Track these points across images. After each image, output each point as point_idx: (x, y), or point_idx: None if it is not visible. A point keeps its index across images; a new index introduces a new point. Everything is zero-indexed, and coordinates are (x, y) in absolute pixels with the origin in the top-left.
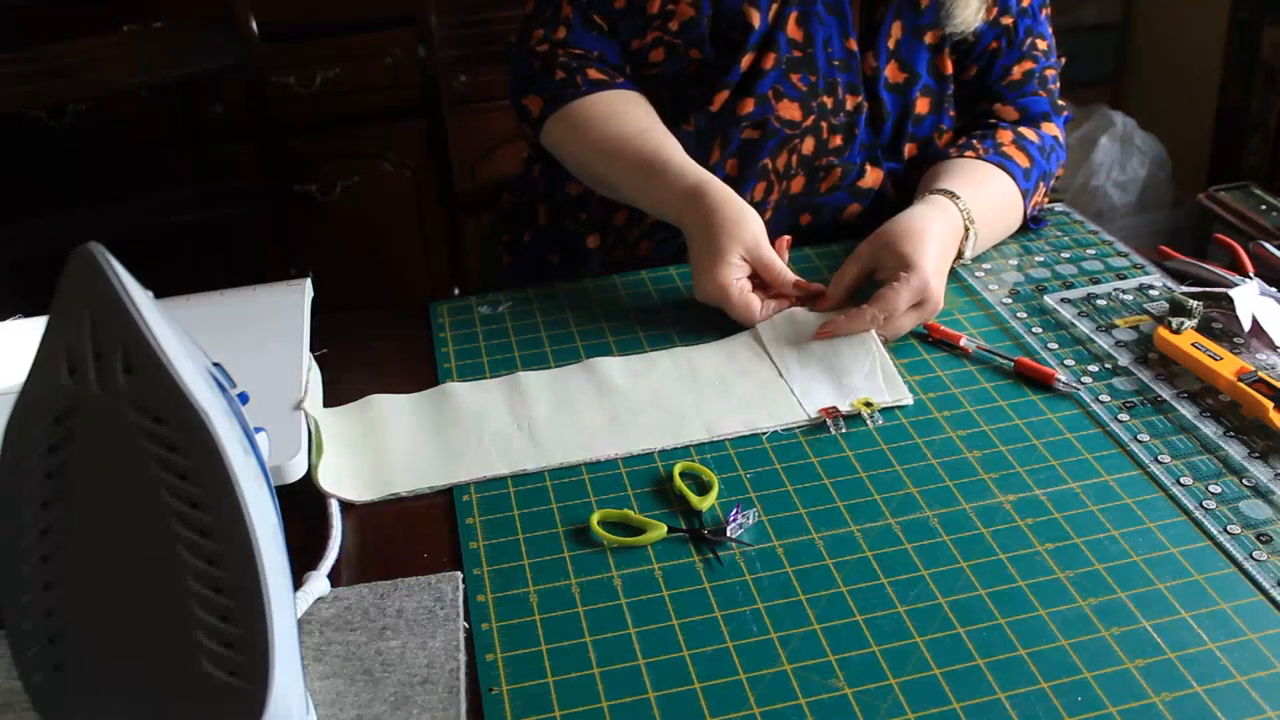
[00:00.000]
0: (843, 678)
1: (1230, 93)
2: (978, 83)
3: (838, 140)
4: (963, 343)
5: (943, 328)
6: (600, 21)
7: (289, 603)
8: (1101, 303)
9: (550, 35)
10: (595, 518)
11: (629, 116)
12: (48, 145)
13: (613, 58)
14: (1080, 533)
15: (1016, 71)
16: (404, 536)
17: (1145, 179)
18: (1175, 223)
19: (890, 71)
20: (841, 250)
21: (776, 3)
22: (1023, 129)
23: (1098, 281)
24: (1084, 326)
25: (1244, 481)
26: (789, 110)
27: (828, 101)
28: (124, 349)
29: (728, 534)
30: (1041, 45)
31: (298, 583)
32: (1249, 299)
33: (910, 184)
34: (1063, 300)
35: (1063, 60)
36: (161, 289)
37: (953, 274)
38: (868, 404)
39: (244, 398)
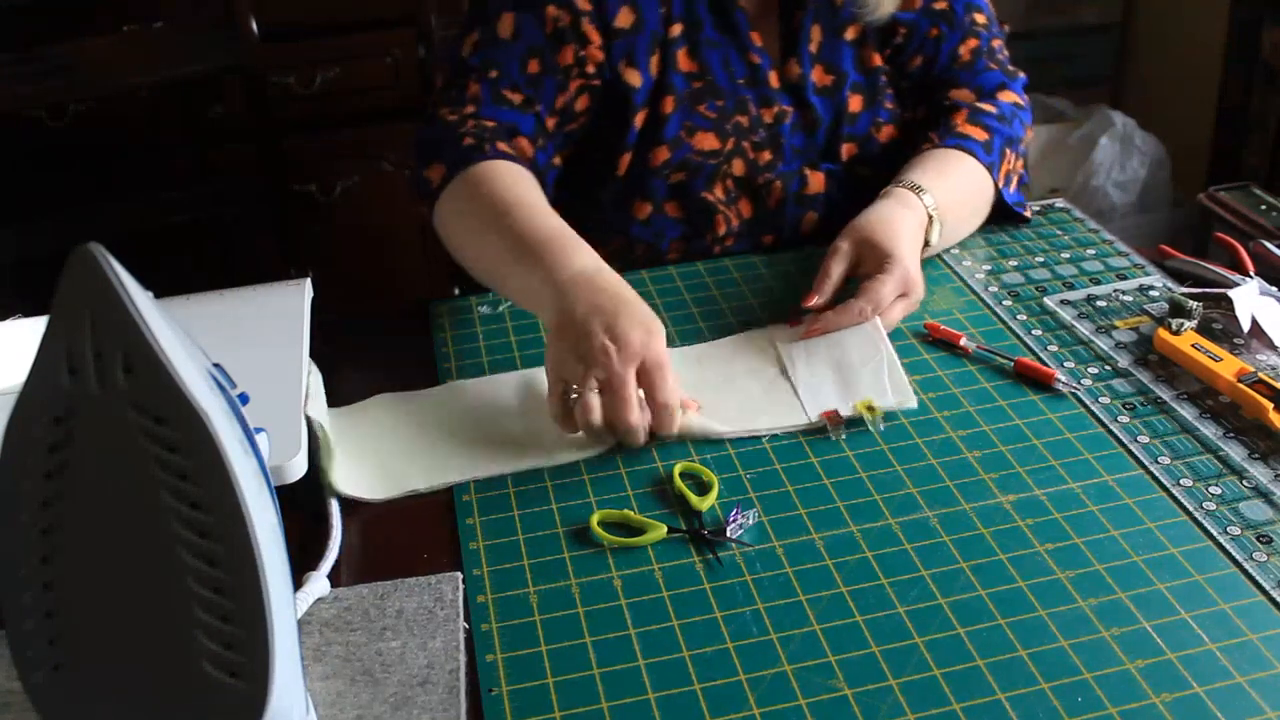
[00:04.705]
0: (843, 678)
1: (1230, 93)
2: (926, 72)
3: (767, 155)
4: (963, 343)
5: (943, 328)
6: (511, 96)
7: (289, 603)
8: (1102, 304)
9: (459, 111)
10: (595, 518)
11: (530, 189)
12: (48, 145)
13: (526, 129)
14: (1080, 533)
15: (964, 52)
16: (404, 537)
17: (1145, 179)
18: (1175, 223)
19: (817, 75)
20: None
21: (656, 54)
22: (979, 104)
23: (1098, 282)
24: (1084, 328)
25: (1244, 482)
26: (705, 141)
27: (742, 121)
28: (124, 349)
29: (728, 534)
30: (980, 19)
31: (298, 583)
32: (1249, 299)
33: (855, 181)
34: (1063, 301)
35: (1006, 27)
36: (161, 289)
37: (953, 273)
38: (870, 408)
39: (244, 398)
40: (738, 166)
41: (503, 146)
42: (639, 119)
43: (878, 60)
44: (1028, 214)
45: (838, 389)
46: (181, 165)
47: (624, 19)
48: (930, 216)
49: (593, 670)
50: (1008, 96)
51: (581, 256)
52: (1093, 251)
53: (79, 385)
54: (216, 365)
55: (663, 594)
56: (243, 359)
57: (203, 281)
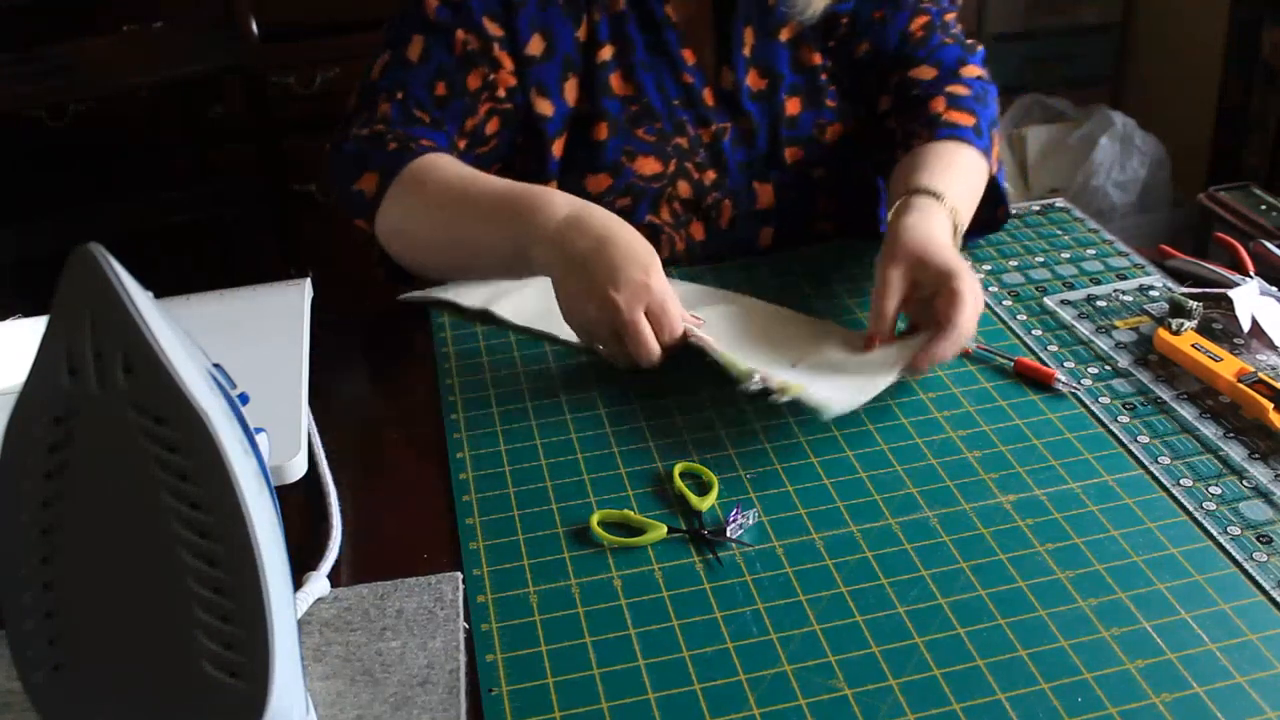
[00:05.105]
0: (843, 678)
1: (1230, 93)
2: (876, 57)
3: (711, 174)
4: None
5: None
6: (420, 115)
7: (289, 603)
8: (1102, 304)
9: (371, 127)
10: (595, 518)
11: (475, 169)
12: (48, 145)
13: (441, 144)
14: (1080, 533)
15: (914, 29)
16: (404, 536)
17: (1145, 179)
18: (1175, 223)
19: (751, 80)
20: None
21: (573, 80)
22: (949, 87)
23: (1098, 282)
24: (1084, 328)
25: (1244, 482)
26: (647, 165)
27: (682, 143)
28: (124, 349)
29: (728, 534)
30: None
31: (298, 583)
32: (1249, 299)
33: (810, 184)
34: (1063, 301)
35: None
36: (161, 289)
37: None
38: (785, 388)
39: (244, 398)
40: (683, 188)
41: (427, 143)
42: (556, 147)
43: (817, 59)
44: (1010, 206)
45: (810, 371)
46: (181, 165)
47: (535, 46)
48: (954, 223)
49: (593, 670)
50: (971, 71)
51: (563, 203)
52: (1093, 251)
53: (79, 385)
54: (216, 365)
55: (663, 594)
56: (243, 359)
57: (203, 281)
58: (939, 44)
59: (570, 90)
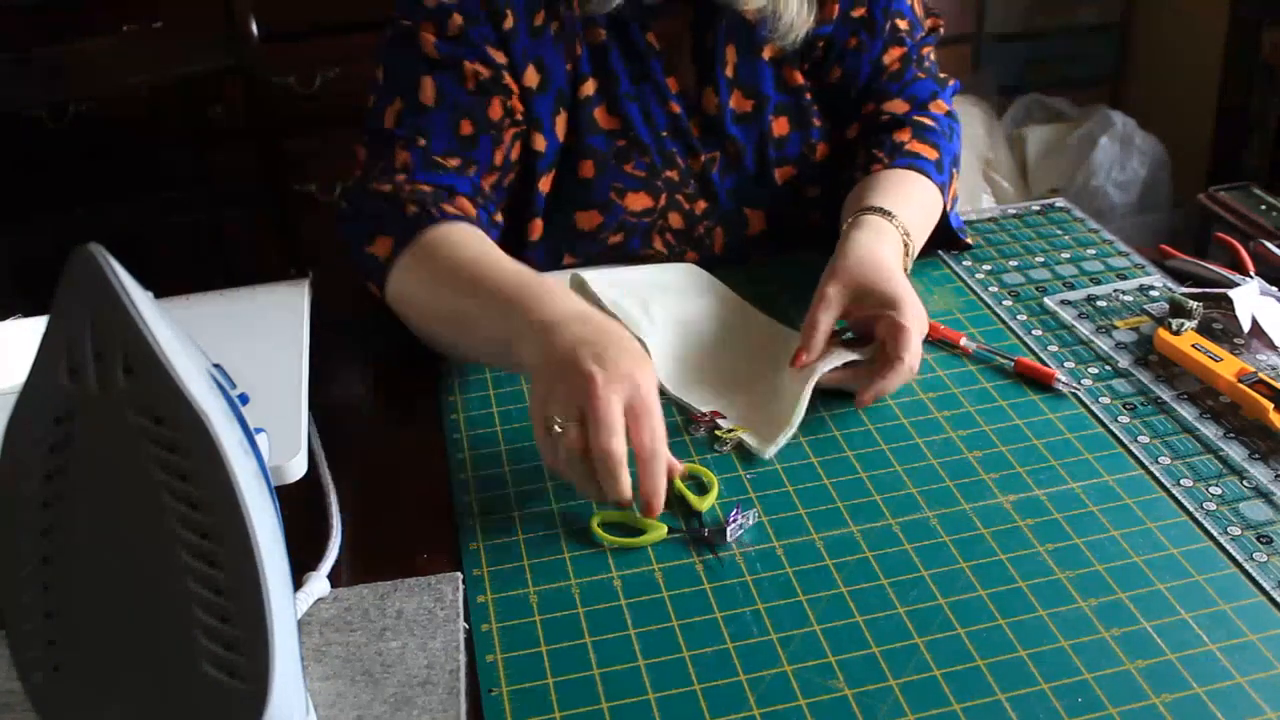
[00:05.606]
0: (843, 678)
1: (1230, 93)
2: (846, 84)
3: (702, 204)
4: (963, 343)
5: (943, 328)
6: (445, 161)
7: (289, 603)
8: (1102, 303)
9: (390, 180)
10: (595, 518)
11: (490, 246)
12: (48, 145)
13: (464, 189)
14: (1080, 533)
15: (889, 62)
16: (404, 537)
17: (1145, 179)
18: (1175, 223)
19: (735, 102)
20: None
21: (562, 114)
22: (917, 118)
23: (1098, 282)
24: (1084, 328)
25: (1245, 482)
26: (638, 201)
27: (672, 175)
28: (124, 350)
29: (728, 535)
30: (903, 25)
31: (298, 583)
32: (1249, 299)
33: (805, 203)
34: (1063, 301)
35: (941, 27)
36: (161, 289)
37: (953, 273)
38: (732, 430)
39: (244, 398)
40: (675, 220)
41: (448, 209)
42: (544, 183)
43: (800, 79)
44: (969, 240)
45: (744, 400)
46: (181, 165)
47: (530, 78)
48: (906, 244)
49: (593, 670)
50: (940, 107)
51: (565, 299)
52: (1093, 251)
53: (79, 385)
54: (216, 365)
55: (663, 594)
56: (243, 359)
57: (203, 281)
58: (913, 78)
59: (560, 125)
